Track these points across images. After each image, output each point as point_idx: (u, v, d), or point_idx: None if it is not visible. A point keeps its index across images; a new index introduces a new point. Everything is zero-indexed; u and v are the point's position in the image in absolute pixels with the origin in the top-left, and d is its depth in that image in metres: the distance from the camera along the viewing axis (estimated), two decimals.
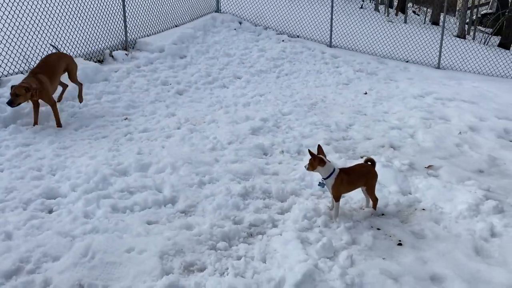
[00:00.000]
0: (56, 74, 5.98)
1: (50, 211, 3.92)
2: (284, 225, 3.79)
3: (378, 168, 4.38)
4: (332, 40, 12.05)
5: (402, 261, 3.33)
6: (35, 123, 5.82)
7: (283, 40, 12.10)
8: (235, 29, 12.35)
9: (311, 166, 3.83)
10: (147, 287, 2.89)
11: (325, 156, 3.89)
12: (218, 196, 4.16)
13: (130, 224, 3.67)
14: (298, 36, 12.43)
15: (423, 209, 4.12)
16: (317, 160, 3.80)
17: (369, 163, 4.05)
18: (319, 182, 3.96)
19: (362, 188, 4.03)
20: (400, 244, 3.57)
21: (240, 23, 12.70)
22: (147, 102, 7.66)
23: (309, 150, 3.82)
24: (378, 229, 3.78)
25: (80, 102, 6.73)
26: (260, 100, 8.12)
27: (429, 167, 5.09)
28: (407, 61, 11.79)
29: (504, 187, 4.63)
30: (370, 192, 4.03)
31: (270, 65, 10.59)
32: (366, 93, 8.75)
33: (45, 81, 5.65)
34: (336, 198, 3.90)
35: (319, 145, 3.99)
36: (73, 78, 6.53)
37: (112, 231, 3.56)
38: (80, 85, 6.70)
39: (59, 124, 5.89)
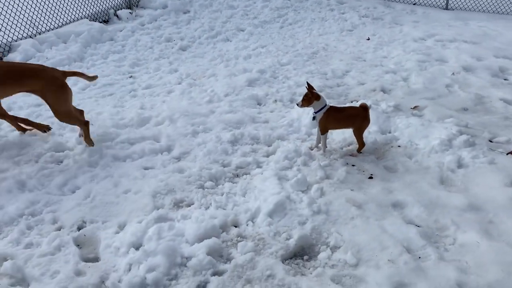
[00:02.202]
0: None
1: (59, 162, 4.37)
2: (267, 166, 4.15)
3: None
4: None
5: (369, 191, 3.67)
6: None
7: None
8: None
9: (307, 102, 4.13)
10: (140, 220, 3.34)
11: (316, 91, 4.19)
12: (209, 143, 4.54)
13: (128, 170, 4.11)
14: None
15: (399, 146, 4.40)
16: (314, 95, 4.10)
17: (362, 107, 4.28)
18: (313, 116, 4.24)
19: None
20: (371, 177, 3.90)
21: None
22: (151, 60, 7.96)
23: (307, 83, 4.12)
24: (353, 165, 4.10)
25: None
26: (261, 52, 8.30)
27: (415, 107, 5.31)
28: (414, 4, 11.58)
29: (483, 123, 4.83)
30: (356, 134, 4.28)
31: (274, 15, 10.64)
32: (368, 39, 8.79)
33: None
34: (322, 131, 4.24)
35: (307, 82, 4.27)
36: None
37: (112, 176, 4.00)
38: None
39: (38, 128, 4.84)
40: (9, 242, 3.14)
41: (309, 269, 2.93)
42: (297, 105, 4.20)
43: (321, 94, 4.18)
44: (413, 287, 2.68)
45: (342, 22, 10.25)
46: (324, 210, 3.42)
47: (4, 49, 7.17)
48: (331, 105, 4.25)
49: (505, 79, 6.44)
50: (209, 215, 3.38)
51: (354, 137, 4.29)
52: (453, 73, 6.51)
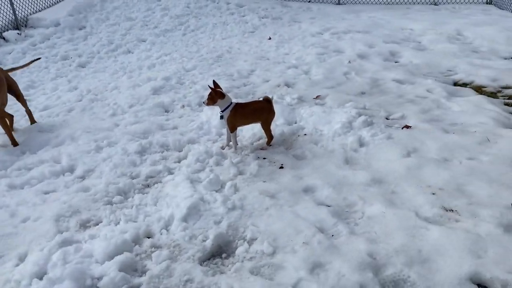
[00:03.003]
0: None
1: None
2: (179, 171, 4.05)
3: None
4: None
5: (281, 181, 3.71)
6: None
7: None
8: None
9: (211, 100, 4.09)
10: (42, 248, 3.07)
11: (222, 90, 4.15)
12: (114, 157, 4.33)
13: (26, 196, 3.79)
14: None
15: (305, 135, 4.52)
16: (218, 93, 4.06)
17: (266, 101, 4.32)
18: (220, 116, 4.21)
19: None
20: (281, 167, 3.95)
21: None
22: (47, 80, 7.51)
23: (209, 86, 4.08)
24: (264, 158, 4.13)
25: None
26: (165, 60, 8.17)
27: (317, 97, 5.50)
28: (309, 1, 12.09)
29: (379, 103, 5.13)
30: (264, 127, 4.31)
31: (175, 23, 10.54)
32: (270, 38, 9.00)
33: None
34: (231, 129, 4.22)
35: (214, 81, 4.23)
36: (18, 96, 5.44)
37: (8, 206, 3.66)
38: None
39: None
40: None
41: (227, 266, 2.88)
42: (203, 103, 4.16)
43: (225, 92, 4.16)
44: (329, 265, 2.74)
45: (243, 24, 10.41)
46: (239, 205, 3.40)
47: None
48: (236, 102, 4.25)
49: (395, 62, 6.91)
50: (119, 230, 3.20)
51: (263, 131, 4.33)
52: (349, 61, 6.86)
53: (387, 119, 4.76)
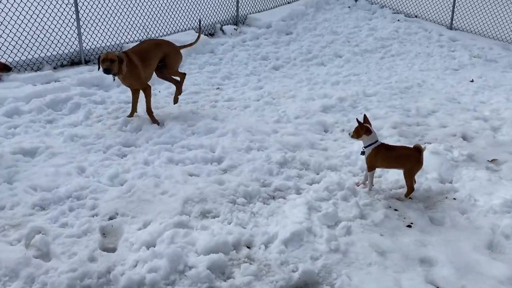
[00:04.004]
0: (149, 60, 5.40)
1: (123, 156, 4.77)
2: (307, 193, 4.07)
3: (425, 154, 4.33)
4: (454, 21, 11.19)
5: (400, 240, 3.39)
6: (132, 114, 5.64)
7: (398, 20, 11.65)
8: (349, 7, 12.25)
9: (356, 134, 4.04)
10: (162, 222, 3.50)
11: (370, 126, 4.05)
12: (257, 161, 4.59)
13: (175, 173, 4.34)
14: (416, 16, 11.82)
15: (454, 199, 3.99)
16: (363, 128, 3.99)
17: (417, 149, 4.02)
18: (362, 151, 4.12)
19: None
20: (409, 226, 3.60)
21: (356, 0, 12.51)
22: (242, 75, 8.28)
23: (357, 119, 4.06)
24: (396, 210, 3.82)
25: (175, 102, 5.98)
26: (351, 80, 8.17)
27: (493, 161, 4.77)
28: None
29: None
30: (406, 176, 4.03)
31: (377, 45, 10.39)
32: (472, 81, 8.13)
33: (137, 62, 5.24)
34: (369, 168, 4.07)
35: (364, 115, 4.16)
36: (171, 69, 5.75)
37: (159, 177, 4.25)
38: (182, 76, 5.90)
39: (150, 111, 5.55)
40: (48, 218, 3.52)
41: None
42: (349, 134, 4.09)
43: (372, 129, 3.99)
44: None
45: (449, 60, 9.63)
46: (343, 250, 3.25)
47: (116, 48, 8.05)
48: (382, 142, 4.03)
49: None
50: (226, 230, 3.42)
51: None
52: None
53: None
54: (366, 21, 11.66)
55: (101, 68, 5.03)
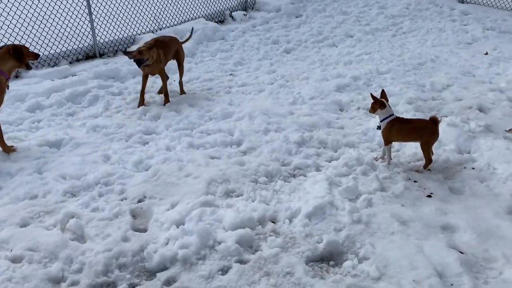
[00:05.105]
0: (168, 54, 5.87)
1: (145, 144, 4.91)
2: (326, 170, 4.16)
3: (443, 126, 4.39)
4: None
5: (421, 210, 3.47)
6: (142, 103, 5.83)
7: None
8: None
9: (372, 109, 4.10)
10: (189, 202, 3.64)
11: (387, 101, 4.11)
12: (276, 142, 4.69)
13: (197, 156, 4.46)
14: None
15: (473, 168, 4.05)
16: (378, 102, 4.05)
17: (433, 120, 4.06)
18: (377, 126, 4.19)
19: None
20: (429, 196, 3.67)
21: None
22: (254, 60, 8.33)
23: (371, 94, 4.11)
24: (415, 181, 3.89)
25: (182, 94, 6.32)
26: (363, 59, 8.16)
27: (510, 130, 4.80)
28: None
29: None
30: (423, 149, 4.08)
31: (388, 23, 10.32)
32: (486, 53, 8.07)
33: (161, 55, 5.61)
34: (385, 142, 4.14)
35: (382, 90, 4.22)
36: (181, 65, 6.27)
37: (182, 160, 4.38)
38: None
39: (167, 97, 5.89)
40: (80, 204, 3.68)
41: (329, 274, 2.92)
42: (367, 109, 4.16)
43: (386, 103, 4.05)
44: None
45: (461, 34, 9.53)
46: (365, 221, 3.35)
47: (129, 41, 8.17)
48: (397, 115, 4.09)
49: None
50: (251, 207, 3.54)
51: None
52: None
53: None
54: None
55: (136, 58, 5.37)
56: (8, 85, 4.41)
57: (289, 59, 8.37)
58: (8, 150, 4.43)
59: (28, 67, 4.52)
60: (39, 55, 4.65)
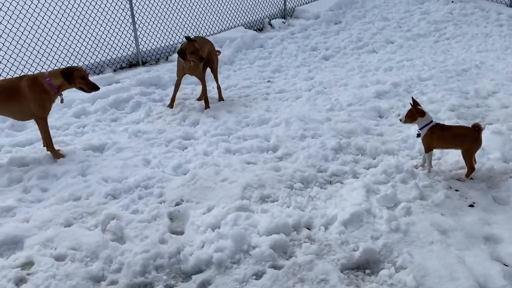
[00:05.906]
0: (202, 53, 5.86)
1: (184, 149, 5.02)
2: (364, 177, 4.10)
3: (487, 134, 4.24)
4: None
5: (463, 219, 3.35)
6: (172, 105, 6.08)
7: (452, 1, 11.23)
8: None
9: (410, 118, 4.01)
10: (224, 207, 3.68)
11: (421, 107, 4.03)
12: (312, 148, 4.67)
13: (233, 161, 4.51)
14: None
15: None
16: (418, 111, 3.97)
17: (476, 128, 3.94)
18: (417, 133, 4.10)
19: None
20: (471, 206, 3.54)
21: None
22: (292, 67, 8.34)
23: (412, 98, 4.04)
24: (456, 190, 3.77)
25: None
26: (405, 65, 8.00)
27: None
28: None
29: None
30: (464, 156, 3.96)
31: (430, 28, 10.09)
32: None
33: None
34: (426, 149, 4.04)
35: (412, 98, 4.14)
36: (213, 68, 6.32)
37: (219, 165, 4.44)
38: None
39: (207, 103, 6.06)
40: (120, 206, 3.80)
41: (365, 282, 2.86)
42: (400, 120, 4.05)
43: (425, 110, 3.95)
44: None
45: (509, 39, 9.18)
46: (404, 229, 3.26)
47: (170, 49, 8.39)
48: (438, 122, 3.98)
49: None
50: (286, 213, 3.53)
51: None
52: None
53: None
54: (417, 5, 11.33)
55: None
56: (62, 99, 4.73)
57: (327, 66, 8.32)
58: (57, 155, 4.65)
59: (85, 90, 4.68)
60: (96, 87, 4.70)
